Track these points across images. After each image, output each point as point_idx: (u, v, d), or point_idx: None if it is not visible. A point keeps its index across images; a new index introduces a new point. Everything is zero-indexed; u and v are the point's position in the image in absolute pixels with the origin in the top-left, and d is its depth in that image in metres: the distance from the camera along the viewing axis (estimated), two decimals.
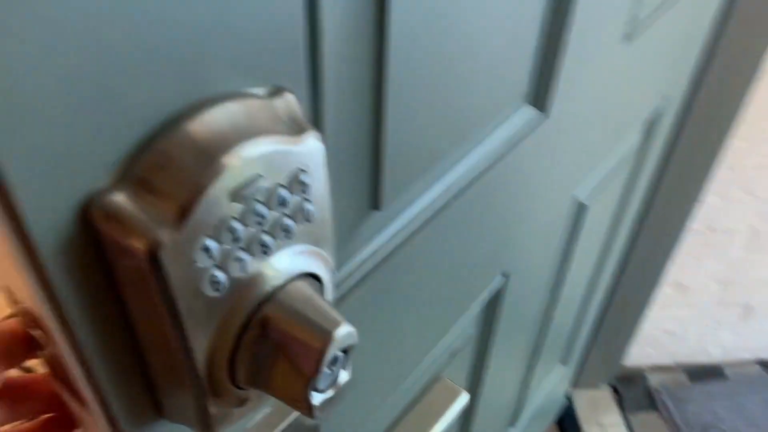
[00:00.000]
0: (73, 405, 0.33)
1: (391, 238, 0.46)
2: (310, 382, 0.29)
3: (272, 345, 0.29)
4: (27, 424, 0.35)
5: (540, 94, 0.56)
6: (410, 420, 0.45)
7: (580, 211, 0.85)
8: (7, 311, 0.29)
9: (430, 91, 0.41)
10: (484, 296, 0.71)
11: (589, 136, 0.74)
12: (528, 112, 0.56)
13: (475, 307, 0.70)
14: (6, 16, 0.19)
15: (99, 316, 0.26)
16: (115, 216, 0.24)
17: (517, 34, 0.47)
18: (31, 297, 0.25)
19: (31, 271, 0.24)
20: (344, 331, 0.29)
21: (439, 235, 0.52)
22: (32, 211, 0.22)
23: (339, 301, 0.44)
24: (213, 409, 0.31)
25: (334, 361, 0.30)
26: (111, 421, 0.31)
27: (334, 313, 0.29)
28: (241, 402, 0.32)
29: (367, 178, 0.40)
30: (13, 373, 0.33)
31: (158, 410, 0.32)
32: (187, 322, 0.26)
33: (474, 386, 0.87)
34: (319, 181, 0.29)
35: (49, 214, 0.23)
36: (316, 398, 0.29)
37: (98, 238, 0.24)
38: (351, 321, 0.42)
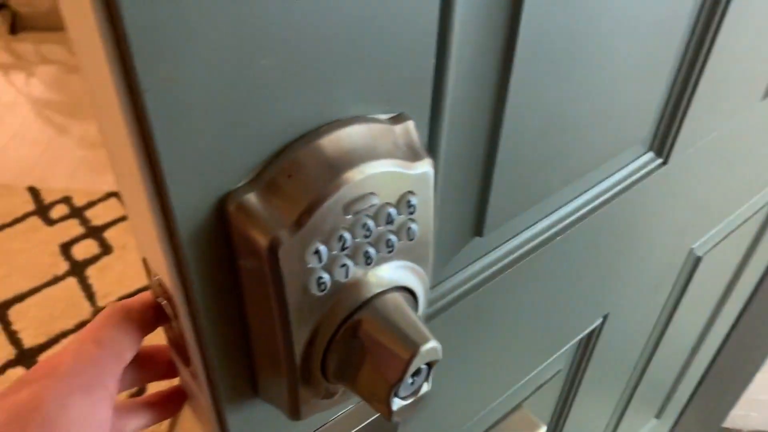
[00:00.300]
0: (185, 376, 0.37)
1: (490, 266, 0.48)
2: (392, 388, 0.31)
3: (363, 347, 0.32)
4: (146, 395, 0.40)
5: (661, 140, 0.56)
6: None
7: (695, 264, 0.83)
8: (145, 281, 0.34)
9: (546, 129, 0.42)
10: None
11: (713, 191, 0.72)
12: (646, 157, 0.56)
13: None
14: (184, 44, 0.23)
15: (218, 297, 0.30)
16: (245, 212, 0.27)
17: (646, 78, 0.48)
18: (164, 270, 0.29)
19: (168, 248, 0.28)
20: (430, 346, 0.31)
21: (539, 269, 0.53)
22: (178, 198, 0.26)
23: (430, 318, 0.46)
24: (302, 396, 0.34)
25: (418, 372, 0.32)
26: (213, 392, 0.35)
27: (424, 328, 0.31)
28: (329, 395, 0.35)
29: (474, 205, 0.42)
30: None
31: (254, 390, 0.36)
32: (292, 314, 0.29)
33: (556, 424, 0.87)
34: (426, 204, 0.32)
35: (191, 202, 0.27)
36: (396, 403, 0.32)
37: (228, 229, 0.28)
38: (439, 339, 0.44)
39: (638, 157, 0.56)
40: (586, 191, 0.52)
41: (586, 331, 0.71)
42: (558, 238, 0.51)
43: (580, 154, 0.47)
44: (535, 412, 0.66)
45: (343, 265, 0.30)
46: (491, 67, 0.36)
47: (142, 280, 2.00)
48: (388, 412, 0.32)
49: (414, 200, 0.31)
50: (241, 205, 0.27)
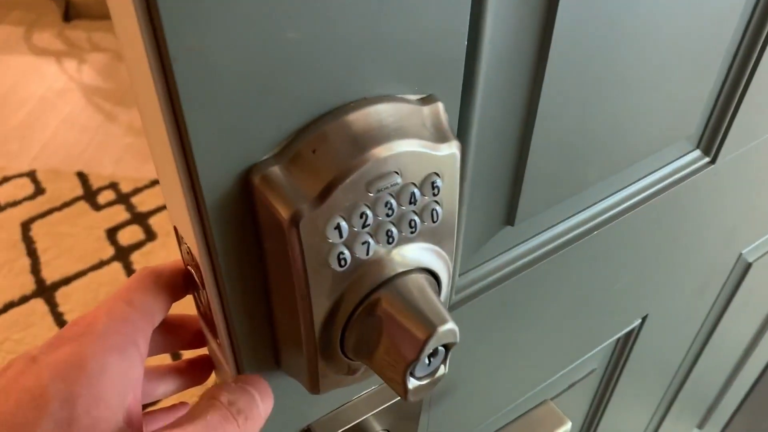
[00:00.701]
0: (212, 345, 0.38)
1: (522, 257, 0.47)
2: (408, 368, 0.31)
3: (381, 325, 0.32)
4: (174, 362, 0.41)
5: (710, 138, 0.54)
6: None
7: (744, 271, 0.80)
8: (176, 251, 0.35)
9: (584, 118, 0.41)
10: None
11: (765, 196, 0.69)
12: (692, 155, 0.54)
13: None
14: (218, 20, 0.23)
15: (242, 268, 0.30)
16: (269, 185, 0.27)
17: (695, 70, 0.46)
18: (191, 239, 0.30)
19: (194, 217, 0.28)
20: (448, 328, 0.31)
21: (574, 264, 0.52)
22: (205, 169, 0.27)
23: (459, 305, 0.46)
24: (321, 371, 0.34)
25: (435, 353, 0.32)
26: (237, 362, 0.35)
27: (443, 310, 0.31)
28: (351, 371, 0.35)
29: (506, 192, 0.41)
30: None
31: (277, 363, 0.37)
32: (312, 288, 0.30)
33: (589, 425, 0.85)
34: (451, 186, 0.31)
35: (218, 173, 0.27)
36: (412, 383, 0.32)
37: (253, 201, 0.28)
38: (464, 328, 0.44)
39: (684, 155, 0.54)
40: (626, 187, 0.51)
41: (624, 332, 0.69)
42: (595, 233, 0.50)
43: (621, 147, 0.46)
44: (567, 411, 0.65)
45: (365, 243, 0.30)
46: (527, 51, 0.35)
47: None
48: (403, 391, 0.32)
49: (439, 182, 0.31)
50: (266, 177, 0.27)
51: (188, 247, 0.32)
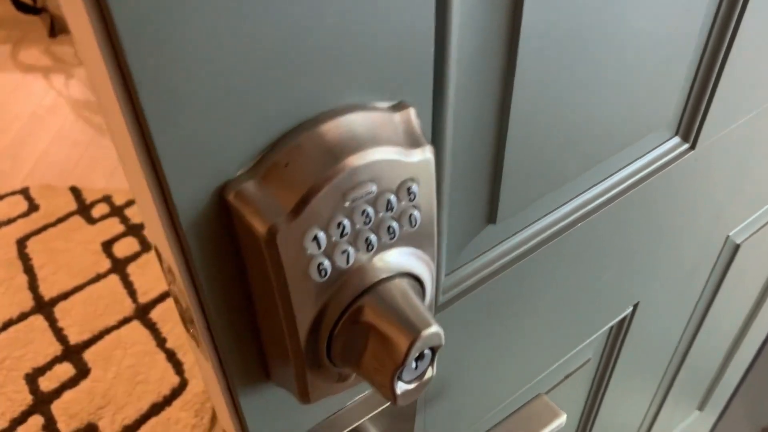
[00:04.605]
0: (202, 361, 0.38)
1: (507, 253, 0.47)
2: (395, 373, 0.31)
3: (366, 332, 0.32)
4: None
5: (688, 125, 0.55)
6: (507, 428, 0.47)
7: (733, 252, 0.80)
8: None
9: (559, 114, 0.41)
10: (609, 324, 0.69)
11: (748, 178, 0.70)
12: (672, 142, 0.55)
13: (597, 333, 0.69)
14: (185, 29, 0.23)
15: (224, 284, 0.31)
16: (243, 200, 0.28)
17: (668, 56, 0.46)
18: (170, 258, 0.30)
19: (171, 236, 0.28)
20: (432, 331, 0.31)
21: (561, 257, 0.52)
22: (178, 188, 0.27)
23: (446, 305, 0.46)
24: (310, 380, 0.34)
25: (421, 357, 0.32)
26: (227, 377, 0.36)
27: (426, 314, 0.32)
28: (342, 378, 0.36)
29: (486, 192, 0.42)
30: None
31: (267, 374, 0.37)
32: (294, 299, 0.30)
33: (588, 414, 0.86)
34: (427, 191, 0.32)
35: (191, 192, 0.27)
36: (400, 387, 0.32)
37: (229, 217, 0.28)
38: (454, 327, 0.44)
39: (663, 143, 0.55)
40: (606, 178, 0.52)
41: (616, 320, 0.70)
42: (578, 225, 0.51)
43: (598, 139, 0.46)
44: (564, 403, 0.65)
45: (344, 252, 0.30)
46: (496, 51, 0.35)
47: None
48: (392, 396, 0.32)
49: (415, 187, 0.31)
50: (240, 193, 0.28)
51: (168, 265, 0.32)
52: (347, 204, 0.29)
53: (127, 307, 1.92)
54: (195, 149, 0.26)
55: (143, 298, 1.94)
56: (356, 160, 0.28)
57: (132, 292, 1.96)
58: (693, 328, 0.89)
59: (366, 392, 0.45)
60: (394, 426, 0.47)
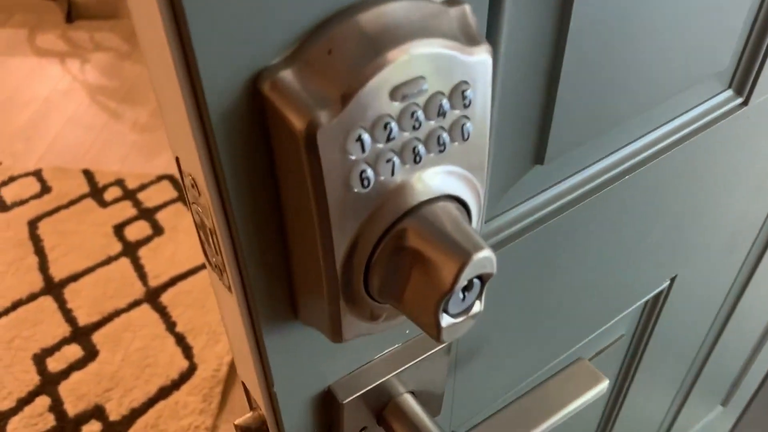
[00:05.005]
0: (223, 294, 0.35)
1: (552, 201, 0.44)
2: (441, 300, 0.28)
3: (409, 258, 0.29)
4: None
5: (742, 77, 0.51)
6: (541, 394, 0.43)
7: None
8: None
9: (612, 47, 0.38)
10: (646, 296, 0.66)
11: None
12: (724, 95, 0.51)
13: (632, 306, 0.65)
14: None
15: (253, 192, 0.27)
16: (280, 91, 0.24)
17: (726, 3, 0.43)
18: (195, 163, 0.27)
19: (199, 132, 0.25)
20: (484, 255, 0.28)
21: (604, 211, 0.49)
22: (208, 74, 0.24)
23: None
24: (345, 316, 0.31)
25: (469, 286, 0.29)
26: (251, 312, 0.32)
27: (477, 237, 0.28)
28: (374, 317, 0.32)
29: (535, 126, 0.38)
30: None
31: (294, 311, 0.34)
32: (332, 212, 0.27)
33: (615, 399, 0.82)
34: (482, 99, 0.28)
35: (222, 79, 0.24)
36: (446, 320, 0.29)
37: (263, 111, 0.25)
38: (490, 282, 0.41)
39: (715, 95, 0.51)
40: (656, 128, 0.48)
41: (652, 294, 0.66)
42: (626, 177, 0.47)
43: (651, 82, 0.43)
44: None
45: (389, 160, 0.27)
46: None
47: (192, 261, 2.01)
48: (436, 330, 0.29)
49: (470, 92, 0.28)
50: (276, 83, 0.24)
51: (192, 178, 0.29)
52: (396, 103, 0.26)
53: (138, 290, 1.90)
54: (229, 31, 0.23)
55: (154, 282, 1.92)
56: (407, 51, 0.25)
57: (143, 276, 1.94)
58: (726, 310, 0.85)
59: (396, 346, 0.42)
60: (424, 385, 0.44)
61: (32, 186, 2.23)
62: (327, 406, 0.40)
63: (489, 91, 0.29)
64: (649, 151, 0.48)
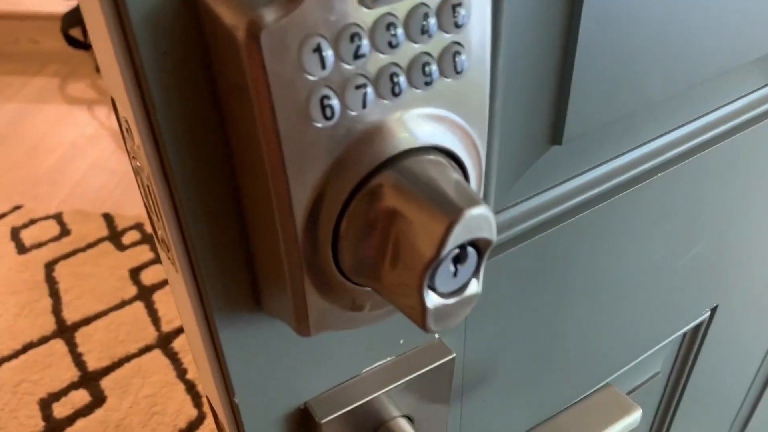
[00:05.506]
0: (172, 276, 0.30)
1: (570, 196, 0.38)
2: (425, 271, 0.22)
3: (387, 222, 0.23)
4: None
5: None
6: (563, 422, 0.36)
7: None
8: None
9: (644, 14, 0.33)
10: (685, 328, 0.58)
11: None
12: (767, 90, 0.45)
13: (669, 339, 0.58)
14: None
15: (192, 129, 0.22)
16: None
17: None
18: (123, 95, 0.22)
19: (121, 51, 0.20)
20: (479, 212, 0.22)
21: (637, 212, 0.42)
22: None
23: (492, 255, 0.36)
24: (312, 299, 0.25)
25: (463, 257, 0.23)
26: (202, 299, 0.27)
27: (471, 191, 0.22)
28: (356, 306, 0.26)
29: (550, 98, 0.33)
30: None
31: (257, 299, 0.28)
32: (286, 151, 0.21)
33: None
34: (479, 26, 0.23)
35: None
36: (432, 299, 0.23)
37: (197, 16, 0.20)
38: (501, 286, 0.35)
39: (760, 88, 0.45)
40: (693, 120, 0.42)
41: (690, 326, 0.59)
42: (659, 174, 0.41)
43: (687, 55, 0.37)
44: None
45: (360, 87, 0.21)
46: None
47: None
48: (420, 313, 0.23)
49: (462, 11, 0.22)
50: None
51: (126, 121, 0.24)
52: (366, 10, 0.20)
53: (150, 334, 1.85)
54: None
55: (167, 327, 1.87)
56: None
57: (156, 320, 1.89)
58: None
59: (388, 359, 0.36)
60: (422, 409, 0.37)
61: (52, 229, 2.23)
62: (302, 426, 0.34)
63: (488, 16, 0.23)
64: (686, 146, 0.42)
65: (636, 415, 0.37)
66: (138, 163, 0.25)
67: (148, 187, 0.25)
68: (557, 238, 0.38)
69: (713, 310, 0.59)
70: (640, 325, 0.53)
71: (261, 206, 0.23)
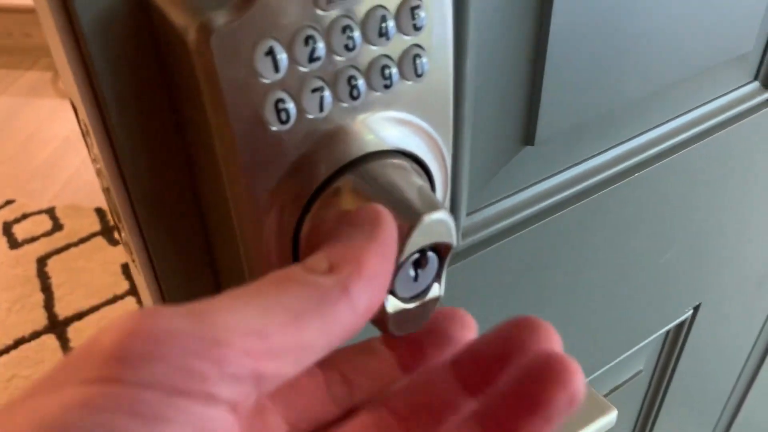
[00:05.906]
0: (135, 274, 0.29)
1: (544, 197, 0.38)
2: None
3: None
4: None
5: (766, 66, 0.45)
6: None
7: None
8: None
9: (616, 14, 0.32)
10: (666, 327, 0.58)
11: None
12: (748, 87, 0.45)
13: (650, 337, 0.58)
14: None
15: (148, 134, 0.22)
16: None
17: None
18: (74, 91, 0.21)
19: (72, 50, 0.20)
20: (438, 217, 0.22)
21: (613, 211, 0.42)
22: None
23: (464, 256, 0.36)
24: None
25: (423, 262, 0.23)
26: (163, 297, 0.26)
27: (433, 197, 0.22)
28: None
29: (522, 94, 0.32)
30: None
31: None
32: (242, 156, 0.21)
33: None
34: (440, 27, 0.23)
35: None
36: (392, 304, 0.23)
37: (150, 20, 0.20)
38: (474, 287, 0.34)
39: (738, 87, 0.45)
40: (670, 120, 0.42)
41: (673, 323, 0.59)
42: (636, 174, 0.41)
43: (661, 54, 0.37)
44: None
45: (316, 90, 0.21)
46: None
47: None
48: (380, 316, 0.23)
49: (421, 13, 0.22)
50: None
51: (85, 124, 0.24)
52: (321, 12, 0.20)
53: None
54: None
55: None
56: None
57: None
58: (761, 349, 0.76)
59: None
60: None
61: (44, 223, 2.22)
62: None
63: (450, 18, 0.23)
64: (663, 145, 0.42)
65: (611, 416, 0.37)
66: (98, 166, 0.25)
67: (108, 190, 0.24)
68: (532, 238, 0.38)
69: (696, 309, 0.59)
70: (621, 323, 0.53)
71: (220, 211, 0.23)
